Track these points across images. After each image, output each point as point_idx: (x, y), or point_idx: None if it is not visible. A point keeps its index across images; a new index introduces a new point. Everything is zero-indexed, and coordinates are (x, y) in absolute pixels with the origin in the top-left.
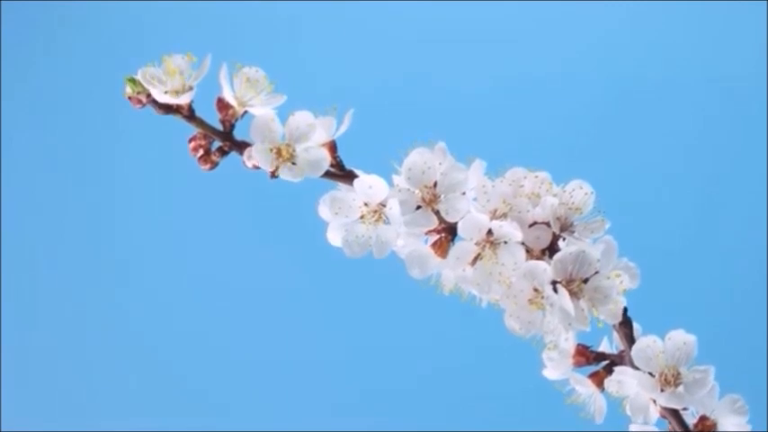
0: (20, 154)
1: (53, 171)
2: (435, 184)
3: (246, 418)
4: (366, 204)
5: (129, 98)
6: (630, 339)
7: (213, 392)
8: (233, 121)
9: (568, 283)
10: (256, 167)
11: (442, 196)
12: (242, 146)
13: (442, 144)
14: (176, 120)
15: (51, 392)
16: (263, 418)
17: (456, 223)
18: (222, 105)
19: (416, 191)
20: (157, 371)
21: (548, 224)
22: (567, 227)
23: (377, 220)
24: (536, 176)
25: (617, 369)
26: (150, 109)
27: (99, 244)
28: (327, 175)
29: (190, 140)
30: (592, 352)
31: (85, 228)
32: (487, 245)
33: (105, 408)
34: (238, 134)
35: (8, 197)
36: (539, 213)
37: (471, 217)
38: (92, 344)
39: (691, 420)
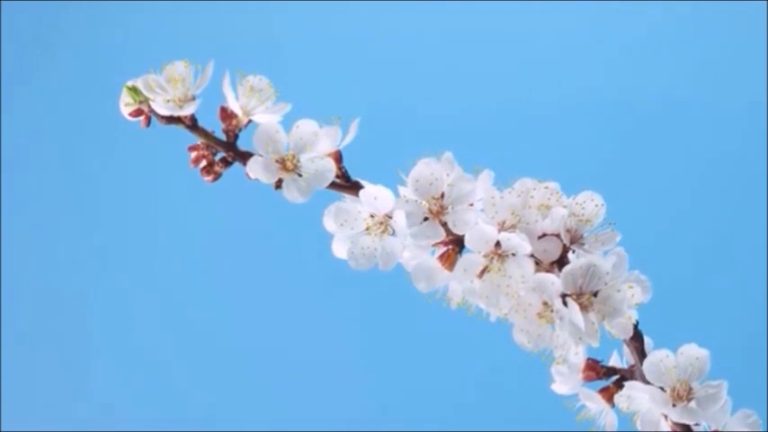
0: (20, 156)
1: (52, 176)
2: (443, 196)
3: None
4: (372, 216)
5: (130, 113)
6: (642, 354)
7: (214, 395)
8: (237, 131)
9: (578, 296)
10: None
11: (450, 208)
12: (246, 156)
13: (448, 154)
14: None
15: (51, 392)
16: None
17: (464, 235)
18: (226, 115)
19: (423, 202)
20: (158, 372)
21: (557, 236)
22: (577, 239)
23: (383, 232)
24: (546, 187)
25: (627, 384)
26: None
27: (100, 248)
28: (332, 185)
29: (190, 150)
30: (602, 366)
31: (86, 231)
32: (495, 257)
33: (105, 408)
34: (241, 144)
35: (8, 200)
36: (548, 225)
37: (479, 229)
38: (92, 344)
39: None
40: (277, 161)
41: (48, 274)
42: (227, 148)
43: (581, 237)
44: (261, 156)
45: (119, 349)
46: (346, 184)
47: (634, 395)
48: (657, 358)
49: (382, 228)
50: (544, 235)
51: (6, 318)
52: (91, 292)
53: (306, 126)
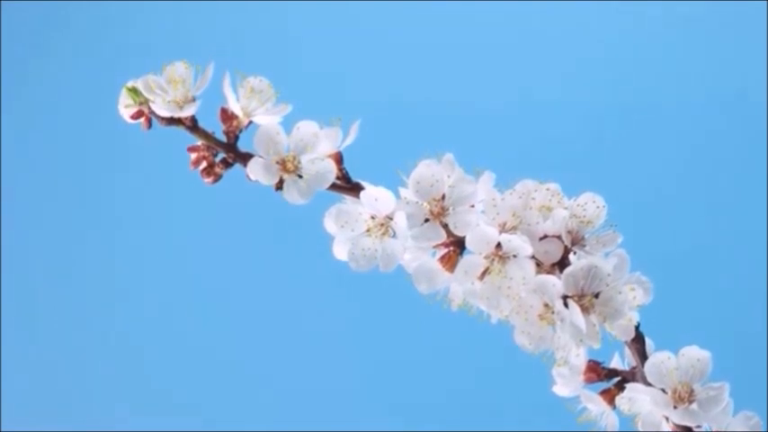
0: (20, 156)
1: (52, 176)
2: (443, 197)
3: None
4: (373, 217)
5: (130, 115)
6: (643, 355)
7: (214, 396)
8: (237, 132)
9: (580, 297)
10: None
11: (451, 209)
12: (246, 157)
13: (449, 156)
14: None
15: (51, 392)
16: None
17: (465, 237)
18: (226, 116)
19: (424, 204)
20: (158, 372)
21: (558, 237)
22: (578, 240)
23: (383, 234)
24: (547, 189)
25: (628, 386)
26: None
27: (100, 248)
28: (333, 187)
29: (191, 151)
30: (603, 368)
31: (86, 231)
32: (496, 259)
33: (105, 408)
34: (242, 145)
35: (8, 200)
36: (549, 226)
37: (480, 230)
38: (92, 344)
39: None
40: (278, 162)
41: (48, 274)
42: (227, 149)
43: (582, 238)
44: (261, 157)
45: (118, 349)
46: (347, 185)
47: (635, 397)
48: (659, 360)
49: (383, 229)
50: (545, 236)
51: (6, 318)
52: (90, 291)
53: (306, 127)
